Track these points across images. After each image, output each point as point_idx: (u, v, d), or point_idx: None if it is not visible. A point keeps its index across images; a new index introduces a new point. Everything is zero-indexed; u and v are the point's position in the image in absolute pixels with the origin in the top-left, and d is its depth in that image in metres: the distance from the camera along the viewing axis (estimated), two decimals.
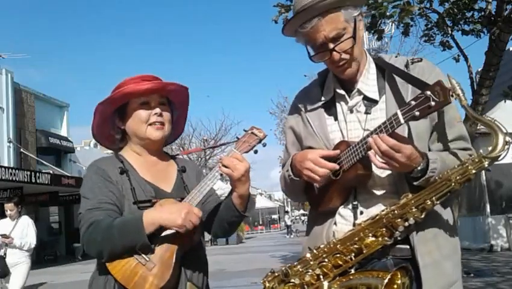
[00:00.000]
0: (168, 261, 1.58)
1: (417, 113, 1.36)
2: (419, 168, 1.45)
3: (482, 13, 7.43)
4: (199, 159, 30.96)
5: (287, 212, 48.15)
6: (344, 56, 1.57)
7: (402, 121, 1.39)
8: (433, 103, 1.33)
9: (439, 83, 1.34)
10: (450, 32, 7.99)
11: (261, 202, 52.52)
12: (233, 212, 1.74)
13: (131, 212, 1.66)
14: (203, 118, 58.55)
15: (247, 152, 1.72)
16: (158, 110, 1.76)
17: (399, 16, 6.54)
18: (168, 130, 1.81)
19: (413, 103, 1.37)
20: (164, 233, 1.61)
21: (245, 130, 1.76)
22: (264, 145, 1.76)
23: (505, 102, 10.82)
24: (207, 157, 31.55)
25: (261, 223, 53.80)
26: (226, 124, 32.27)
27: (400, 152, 1.41)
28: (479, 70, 9.02)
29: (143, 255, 1.58)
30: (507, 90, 8.49)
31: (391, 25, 9.72)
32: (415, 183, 1.47)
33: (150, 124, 1.76)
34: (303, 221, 70.83)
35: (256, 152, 1.75)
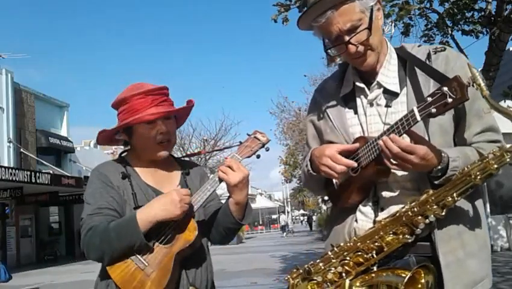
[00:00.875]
0: (167, 266, 1.58)
1: (434, 110, 1.32)
2: (439, 167, 1.40)
3: (482, 13, 7.43)
4: (199, 159, 30.95)
5: (282, 212, 48.21)
6: (360, 48, 1.52)
7: (419, 118, 1.35)
8: (450, 100, 1.29)
9: (456, 79, 1.29)
10: (450, 32, 7.99)
11: (261, 202, 52.57)
12: (229, 218, 1.72)
13: None
14: (203, 118, 58.24)
15: (249, 156, 1.71)
16: (164, 129, 1.74)
17: (397, 15, 6.54)
18: (174, 143, 1.82)
19: (430, 99, 1.33)
20: (164, 239, 1.61)
21: (248, 135, 1.75)
22: (267, 149, 1.75)
23: (504, 101, 10.82)
24: (207, 157, 31.54)
25: (261, 223, 53.88)
26: (226, 124, 32.24)
27: (413, 154, 1.37)
28: (479, 70, 9.00)
29: (142, 260, 1.58)
30: (507, 89, 8.49)
31: (391, 25, 9.72)
32: (435, 182, 1.43)
33: (158, 143, 1.75)
34: (302, 221, 70.91)
35: (258, 156, 1.74)
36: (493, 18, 7.03)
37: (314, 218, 44.56)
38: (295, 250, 17.93)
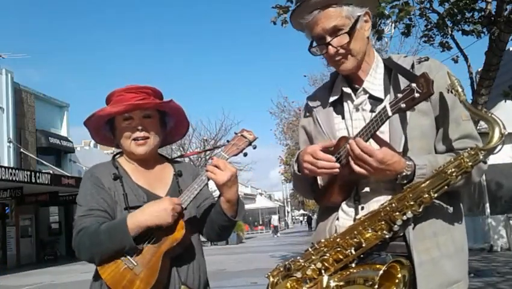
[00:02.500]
0: (155, 265, 1.60)
1: (403, 105, 1.41)
2: (403, 174, 1.47)
3: (482, 13, 7.43)
4: (199, 159, 30.96)
5: (274, 213, 48.31)
6: (340, 51, 1.60)
7: (390, 113, 1.43)
8: (417, 95, 1.38)
9: (423, 75, 1.39)
10: (450, 32, 7.99)
11: (261, 202, 52.57)
12: (222, 216, 1.74)
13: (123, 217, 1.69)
14: (203, 118, 58.42)
15: (235, 154, 1.74)
16: (139, 126, 1.78)
17: (397, 16, 6.55)
18: (154, 143, 1.82)
19: (400, 95, 1.42)
20: (153, 238, 1.64)
21: (235, 133, 1.78)
22: (254, 147, 1.77)
23: (505, 102, 10.82)
24: (207, 157, 31.55)
25: (261, 223, 53.80)
26: (226, 124, 32.25)
27: (372, 156, 1.44)
28: (479, 70, 9.02)
29: (131, 260, 1.61)
30: (507, 89, 8.49)
31: (392, 25, 9.72)
32: (404, 188, 1.47)
33: (133, 140, 1.78)
34: (301, 221, 70.93)
35: (245, 154, 1.76)
36: (493, 18, 7.03)
37: (314, 217, 44.53)
38: (295, 250, 17.92)
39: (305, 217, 60.38)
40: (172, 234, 1.64)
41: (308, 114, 1.84)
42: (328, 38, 1.60)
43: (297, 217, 79.87)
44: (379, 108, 1.59)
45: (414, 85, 1.39)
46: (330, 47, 1.60)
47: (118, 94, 1.79)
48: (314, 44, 1.67)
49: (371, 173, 1.49)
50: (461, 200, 1.61)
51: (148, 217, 1.61)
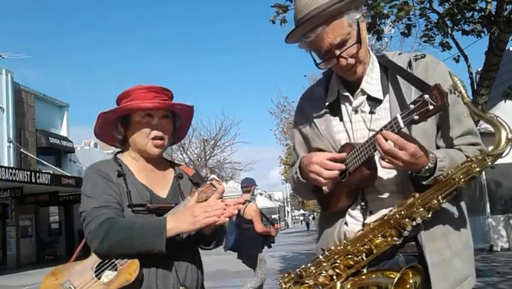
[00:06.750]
0: None
1: (416, 117, 1.37)
2: (427, 167, 1.45)
3: (482, 13, 7.43)
4: (199, 159, 30.98)
5: (275, 213, 48.54)
6: (350, 60, 1.57)
7: (402, 125, 1.40)
8: (431, 107, 1.35)
9: (437, 86, 1.35)
10: (450, 32, 7.99)
11: (261, 202, 52.61)
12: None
13: (126, 215, 1.69)
14: (203, 118, 58.39)
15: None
16: (160, 125, 1.79)
17: (396, 15, 6.55)
18: (167, 143, 1.84)
19: (412, 106, 1.38)
20: (105, 272, 1.60)
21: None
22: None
23: (505, 102, 10.83)
24: (207, 157, 31.57)
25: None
26: (226, 124, 32.32)
27: (403, 149, 1.40)
28: (479, 70, 9.02)
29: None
30: (507, 90, 8.50)
31: (391, 25, 9.71)
32: (424, 182, 1.46)
33: (151, 139, 1.78)
34: (301, 221, 71.08)
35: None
36: (493, 18, 7.03)
37: (311, 218, 44.76)
38: (295, 250, 17.93)
39: (304, 217, 60.51)
40: (124, 274, 1.58)
41: (302, 115, 1.81)
42: (337, 51, 1.56)
43: (296, 217, 79.98)
44: (378, 109, 1.58)
45: (426, 96, 1.35)
46: (341, 59, 1.56)
47: (141, 91, 1.78)
48: (317, 58, 1.63)
49: (399, 168, 1.46)
50: (462, 197, 1.62)
51: (180, 223, 1.60)
